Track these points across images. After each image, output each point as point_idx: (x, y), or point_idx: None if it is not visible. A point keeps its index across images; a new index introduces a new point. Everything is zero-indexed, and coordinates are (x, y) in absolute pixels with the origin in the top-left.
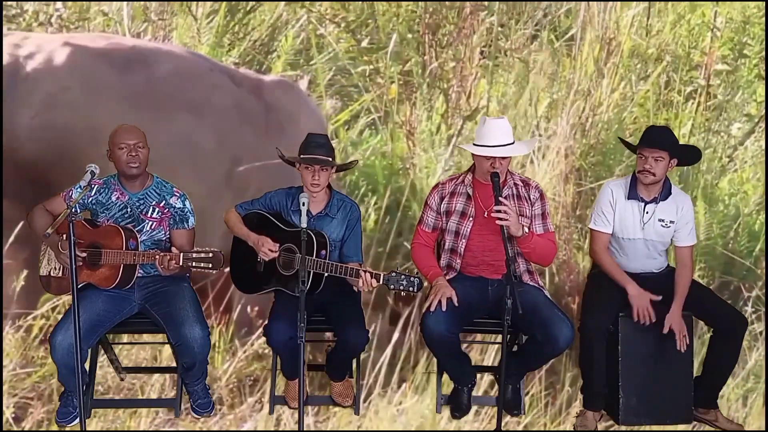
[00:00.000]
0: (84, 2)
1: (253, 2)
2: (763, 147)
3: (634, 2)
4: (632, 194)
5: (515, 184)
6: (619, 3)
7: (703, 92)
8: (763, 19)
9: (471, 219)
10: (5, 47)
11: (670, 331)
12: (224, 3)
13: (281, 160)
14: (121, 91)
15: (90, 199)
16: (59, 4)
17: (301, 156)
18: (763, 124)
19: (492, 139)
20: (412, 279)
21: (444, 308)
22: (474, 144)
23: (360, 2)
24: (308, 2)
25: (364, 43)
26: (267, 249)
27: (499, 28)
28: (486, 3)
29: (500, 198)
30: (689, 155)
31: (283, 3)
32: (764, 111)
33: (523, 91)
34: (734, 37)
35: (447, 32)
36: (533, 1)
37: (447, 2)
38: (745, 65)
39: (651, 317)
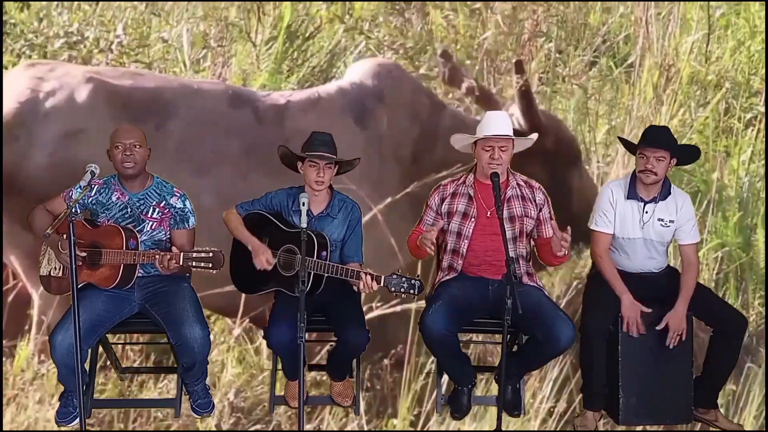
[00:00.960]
0: (144, 28)
1: (312, 29)
2: None
3: (694, 28)
4: (632, 194)
5: (518, 185)
6: (678, 29)
7: (763, 119)
8: None
9: (473, 219)
10: (26, 80)
11: (684, 322)
12: (283, 29)
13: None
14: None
15: (90, 199)
16: (120, 30)
17: (307, 153)
18: None
19: (493, 129)
20: (413, 282)
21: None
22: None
23: (418, 29)
24: (366, 30)
25: (423, 70)
26: (264, 259)
27: (558, 55)
28: (544, 29)
29: (565, 234)
30: (688, 154)
31: (342, 29)
32: (764, 111)
33: (582, 117)
34: None
35: (506, 58)
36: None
37: (505, 29)
38: None
39: (640, 329)
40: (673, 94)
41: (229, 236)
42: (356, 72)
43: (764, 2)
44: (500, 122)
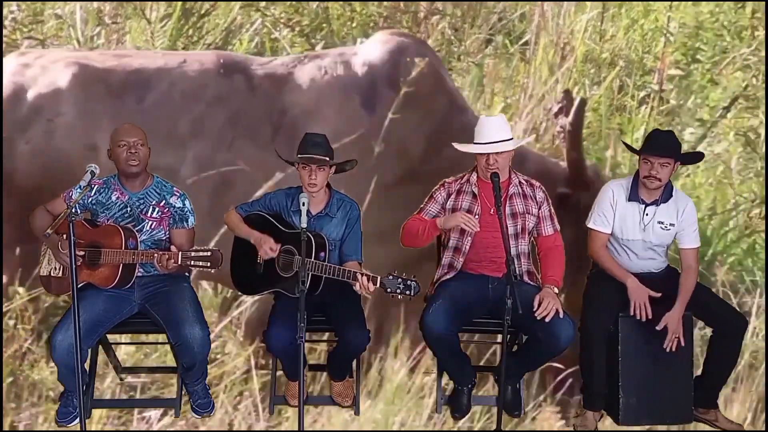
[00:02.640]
0: (37, 3)
1: (208, 6)
2: (715, 152)
3: (588, 6)
4: (633, 196)
5: (520, 183)
6: (573, 8)
7: (656, 97)
8: (716, 24)
9: (477, 217)
10: (15, 67)
11: (681, 325)
12: (179, 6)
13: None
14: (114, 116)
15: (90, 199)
16: (14, 6)
17: (298, 155)
18: (715, 130)
19: (485, 136)
20: (409, 282)
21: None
22: (474, 143)
23: (314, 7)
24: (263, 7)
25: (319, 47)
26: (268, 248)
27: (453, 33)
28: (440, 6)
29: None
30: (692, 159)
31: (237, 7)
32: (764, 111)
33: (477, 95)
34: (687, 42)
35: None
36: (488, 0)
37: (402, 6)
38: (697, 70)
39: (648, 313)
40: (568, 72)
41: (217, 231)
42: (375, 48)
43: (764, 2)
44: (492, 128)
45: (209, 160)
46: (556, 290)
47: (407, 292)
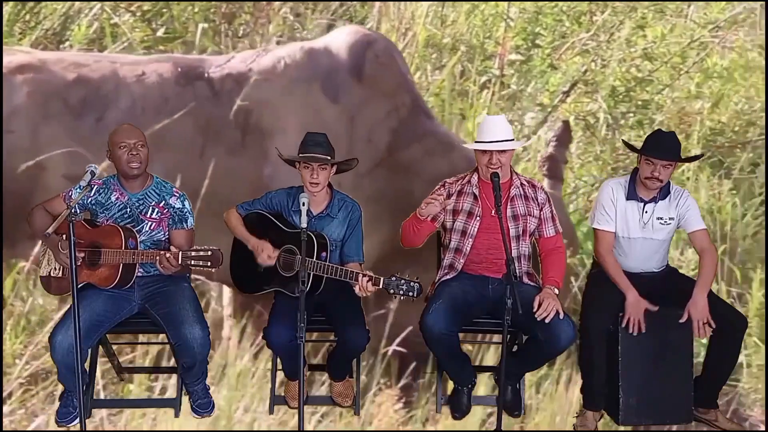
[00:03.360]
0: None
1: None
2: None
3: None
4: (632, 194)
5: (521, 184)
6: None
7: (498, 82)
8: (555, 9)
9: (478, 218)
10: None
11: (670, 330)
12: None
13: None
14: (71, 135)
15: (90, 199)
16: None
17: (300, 154)
18: (555, 113)
19: (489, 135)
20: (412, 284)
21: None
22: (477, 141)
23: None
24: None
25: (160, 33)
26: (266, 255)
27: (295, 18)
28: None
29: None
30: (691, 158)
31: None
32: (764, 113)
33: None
34: (527, 27)
35: (243, 22)
36: None
37: None
38: (537, 55)
39: (641, 328)
40: (410, 57)
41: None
42: (337, 39)
43: (764, 2)
44: (495, 128)
45: (183, 171)
46: (556, 291)
47: (410, 294)
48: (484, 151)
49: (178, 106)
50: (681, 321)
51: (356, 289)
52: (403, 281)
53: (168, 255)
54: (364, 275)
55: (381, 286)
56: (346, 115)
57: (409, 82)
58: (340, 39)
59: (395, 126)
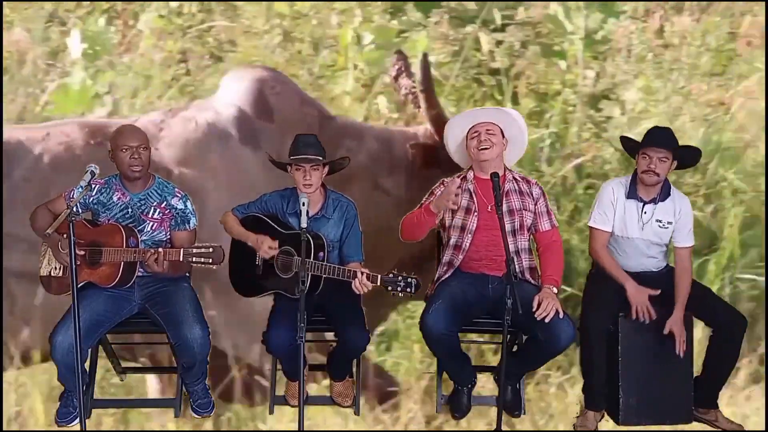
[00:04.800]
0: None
1: None
2: None
3: None
4: (632, 194)
5: (515, 179)
6: None
7: None
8: None
9: (476, 214)
10: None
11: (670, 331)
12: None
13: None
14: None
15: (91, 199)
16: None
17: (291, 157)
18: None
19: (470, 118)
20: (409, 280)
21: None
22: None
23: None
24: None
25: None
26: (267, 247)
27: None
28: None
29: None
30: (690, 157)
31: None
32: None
33: None
34: None
35: None
36: None
37: None
38: None
39: (651, 314)
40: None
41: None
42: (233, 91)
43: (764, 2)
44: (479, 111)
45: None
46: (555, 290)
47: (408, 290)
48: (472, 136)
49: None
50: (665, 333)
51: (353, 285)
52: (400, 278)
53: (169, 252)
54: (362, 272)
55: (378, 283)
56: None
57: (307, 96)
58: (238, 89)
59: None
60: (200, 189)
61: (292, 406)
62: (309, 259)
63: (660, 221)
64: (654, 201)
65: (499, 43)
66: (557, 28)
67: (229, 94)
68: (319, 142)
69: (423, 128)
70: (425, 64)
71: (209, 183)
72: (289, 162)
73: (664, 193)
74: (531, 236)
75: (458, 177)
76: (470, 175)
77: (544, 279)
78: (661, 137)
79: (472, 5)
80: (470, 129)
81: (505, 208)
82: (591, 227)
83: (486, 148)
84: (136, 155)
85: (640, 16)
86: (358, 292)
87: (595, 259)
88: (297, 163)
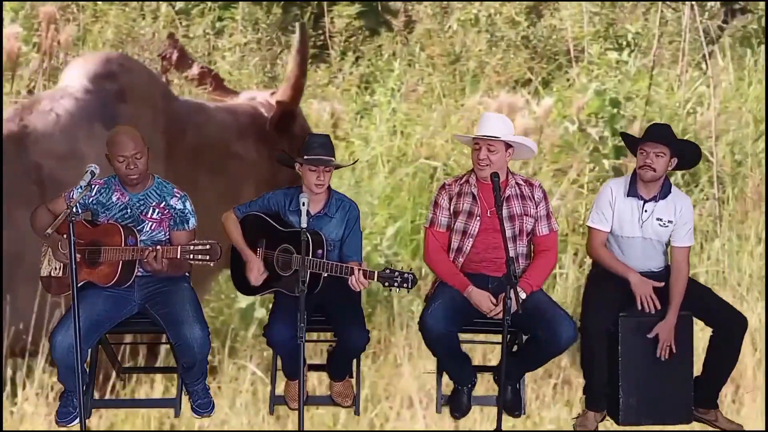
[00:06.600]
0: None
1: None
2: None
3: None
4: (632, 192)
5: (517, 184)
6: None
7: None
8: None
9: (478, 218)
10: None
11: (673, 331)
12: None
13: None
14: None
15: (91, 199)
16: None
17: (305, 157)
18: None
19: (483, 131)
20: (406, 275)
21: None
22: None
23: None
24: None
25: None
26: (254, 277)
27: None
28: None
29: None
30: (689, 155)
31: None
32: (764, 112)
33: None
34: None
35: None
36: None
37: None
38: None
39: (656, 304)
40: None
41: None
42: (82, 73)
43: (765, 2)
44: (489, 124)
45: None
46: (523, 295)
47: (405, 285)
48: (475, 147)
49: None
50: (649, 336)
51: (350, 282)
52: (397, 273)
53: (166, 250)
54: (359, 269)
55: (375, 279)
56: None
57: (154, 74)
58: (87, 71)
59: (163, 126)
60: (71, 177)
61: (292, 409)
62: (307, 257)
63: (660, 220)
64: (654, 199)
65: None
66: None
67: (80, 78)
68: (330, 142)
69: (262, 94)
70: (303, 30)
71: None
72: (300, 161)
73: (665, 191)
74: (530, 240)
75: (459, 182)
76: (472, 178)
77: (521, 280)
78: (657, 132)
79: None
80: (474, 138)
81: (505, 213)
82: (589, 227)
83: (486, 165)
84: (132, 165)
85: None
86: (355, 289)
87: (595, 257)
88: (312, 164)
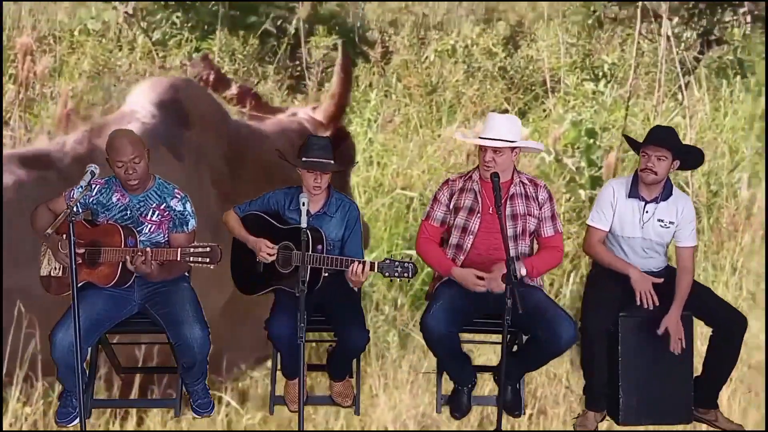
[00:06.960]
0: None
1: None
2: None
3: None
4: (633, 192)
5: (522, 183)
6: None
7: None
8: None
9: (478, 215)
10: None
11: (667, 330)
12: None
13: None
14: None
15: (91, 199)
16: None
17: (303, 160)
18: None
19: (487, 132)
20: (406, 265)
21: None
22: (479, 137)
23: None
24: None
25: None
26: (265, 252)
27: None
28: None
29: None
30: (692, 157)
31: None
32: (765, 112)
33: None
34: None
35: None
36: None
37: None
38: None
39: (655, 300)
40: None
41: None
42: (149, 99)
43: (765, 2)
44: (495, 125)
45: None
46: (523, 271)
47: (405, 275)
48: (482, 149)
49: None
50: (659, 332)
51: (346, 276)
52: (396, 263)
53: (165, 251)
54: (359, 262)
55: (375, 270)
56: (192, 168)
57: (214, 99)
58: (153, 96)
59: (225, 151)
60: None
61: (291, 411)
62: (307, 252)
63: (661, 221)
64: (655, 200)
65: None
66: None
67: (144, 102)
68: (330, 145)
69: (303, 110)
70: (345, 49)
71: None
72: (300, 164)
73: (666, 193)
74: (533, 240)
75: (463, 178)
76: (476, 175)
77: (525, 259)
78: (659, 136)
79: None
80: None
81: (508, 212)
82: (588, 225)
83: (492, 167)
84: (131, 169)
85: None
86: (352, 284)
87: (592, 254)
88: (311, 167)
